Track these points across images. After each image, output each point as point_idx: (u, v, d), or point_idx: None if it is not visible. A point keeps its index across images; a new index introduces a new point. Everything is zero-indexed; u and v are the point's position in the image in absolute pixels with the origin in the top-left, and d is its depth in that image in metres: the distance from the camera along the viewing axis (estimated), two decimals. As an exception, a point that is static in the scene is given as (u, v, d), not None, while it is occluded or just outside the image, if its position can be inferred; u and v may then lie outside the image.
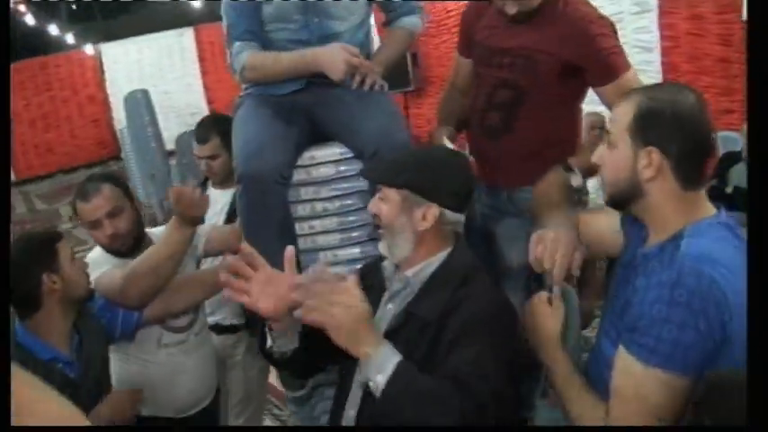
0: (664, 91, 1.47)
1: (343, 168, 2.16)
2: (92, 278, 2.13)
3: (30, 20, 11.14)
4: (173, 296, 2.26)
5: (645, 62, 5.80)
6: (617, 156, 1.51)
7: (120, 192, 2.32)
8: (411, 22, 2.40)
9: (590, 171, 1.93)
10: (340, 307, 1.48)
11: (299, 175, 2.16)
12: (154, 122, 8.66)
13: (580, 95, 2.26)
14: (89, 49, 12.29)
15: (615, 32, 2.14)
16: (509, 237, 2.21)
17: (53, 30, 11.88)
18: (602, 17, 2.14)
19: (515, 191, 2.23)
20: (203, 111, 11.75)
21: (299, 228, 2.19)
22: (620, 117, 1.50)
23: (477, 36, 2.29)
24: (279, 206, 2.10)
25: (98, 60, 12.45)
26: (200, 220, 2.22)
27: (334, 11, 2.21)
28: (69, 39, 12.26)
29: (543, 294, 1.68)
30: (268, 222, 2.09)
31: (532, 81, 2.15)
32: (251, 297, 1.62)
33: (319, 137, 2.21)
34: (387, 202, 1.68)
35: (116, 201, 2.28)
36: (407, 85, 8.76)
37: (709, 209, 1.48)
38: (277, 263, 2.13)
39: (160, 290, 2.17)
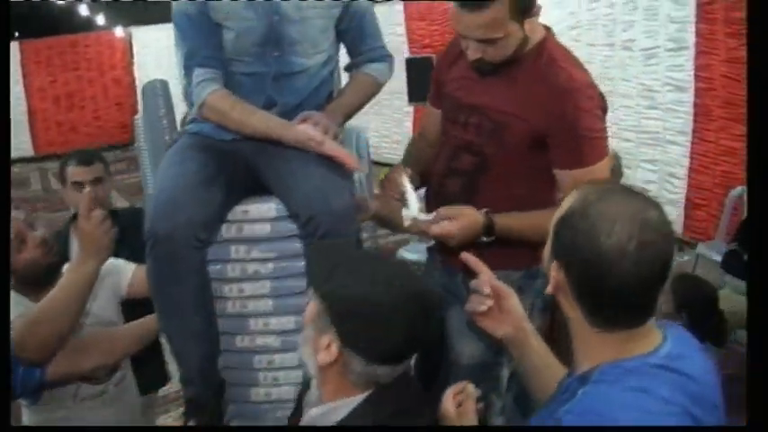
0: (606, 200, 1.15)
1: (279, 228, 1.88)
2: None
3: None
4: (80, 354, 2.00)
5: (676, 101, 5.46)
6: (545, 249, 1.25)
7: None
8: (378, 69, 2.12)
9: None
10: None
11: (229, 232, 1.89)
12: (170, 114, 8.43)
13: None
14: (119, 31, 12.17)
15: (604, 109, 1.79)
16: (459, 329, 1.89)
17: (89, 8, 11.84)
18: (591, 85, 1.77)
19: (471, 274, 1.90)
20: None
21: (228, 289, 1.92)
22: (556, 213, 1.23)
23: (447, 86, 1.98)
24: (191, 273, 1.83)
25: (128, 43, 12.32)
26: (106, 256, 1.95)
27: (299, 48, 1.94)
28: (102, 19, 12.20)
29: (456, 387, 1.45)
30: (179, 292, 1.83)
31: (498, 149, 1.83)
32: None
33: (259, 189, 1.93)
34: (312, 301, 1.33)
35: None
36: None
37: (649, 341, 1.17)
38: (192, 338, 1.89)
39: (62, 340, 1.90)
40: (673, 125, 5.55)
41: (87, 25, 12.38)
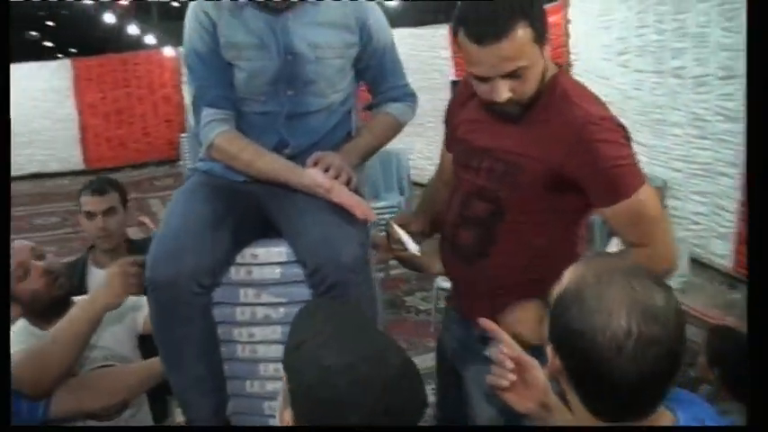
0: (603, 284, 1.03)
1: (290, 272, 1.80)
2: None
3: (112, 17, 11.32)
4: (85, 393, 1.93)
5: (727, 132, 5.25)
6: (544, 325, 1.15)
7: None
8: (399, 109, 2.01)
9: None
10: None
11: (238, 274, 1.81)
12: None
13: (583, 212, 1.77)
14: (169, 50, 12.35)
15: (627, 138, 1.63)
16: (476, 388, 1.77)
17: (139, 28, 12.06)
18: (610, 118, 1.63)
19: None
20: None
21: (237, 333, 1.85)
22: (555, 287, 1.12)
23: (459, 130, 1.86)
24: (194, 320, 1.75)
25: (177, 63, 12.49)
26: (119, 304, 1.91)
27: (314, 87, 1.85)
28: (152, 38, 12.40)
29: None
30: (181, 338, 1.76)
31: (512, 193, 1.69)
32: None
33: (270, 231, 1.86)
34: None
35: None
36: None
37: (658, 425, 1.07)
38: (195, 385, 1.81)
39: (59, 377, 1.85)
40: (723, 156, 5.33)
41: (137, 44, 12.59)
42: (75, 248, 6.57)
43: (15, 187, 11.77)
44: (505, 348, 1.34)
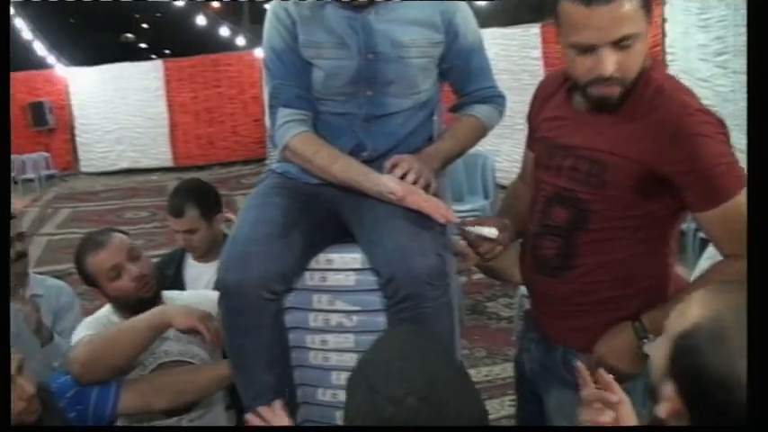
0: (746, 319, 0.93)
1: (365, 279, 1.73)
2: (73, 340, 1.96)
3: (204, 20, 11.60)
4: (154, 394, 1.95)
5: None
6: (656, 352, 1.05)
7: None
8: (485, 111, 1.91)
9: None
10: None
11: (312, 280, 1.77)
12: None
13: (675, 218, 1.61)
14: (259, 51, 12.59)
15: (726, 134, 1.48)
16: (558, 412, 1.66)
17: (230, 30, 12.33)
18: (707, 111, 1.49)
19: (572, 353, 1.63)
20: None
21: (310, 340, 1.80)
22: (675, 316, 1.02)
23: (541, 128, 1.73)
24: (264, 327, 1.70)
25: (268, 63, 12.74)
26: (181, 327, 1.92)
27: (394, 88, 1.78)
28: (242, 40, 12.66)
29: None
30: (250, 345, 1.71)
31: (597, 195, 1.55)
32: None
33: (348, 235, 1.80)
34: None
35: None
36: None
37: None
38: (263, 395, 1.76)
39: (108, 368, 1.88)
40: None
41: (229, 46, 12.88)
42: (162, 242, 6.76)
43: (107, 182, 12.29)
44: (609, 385, 1.20)
